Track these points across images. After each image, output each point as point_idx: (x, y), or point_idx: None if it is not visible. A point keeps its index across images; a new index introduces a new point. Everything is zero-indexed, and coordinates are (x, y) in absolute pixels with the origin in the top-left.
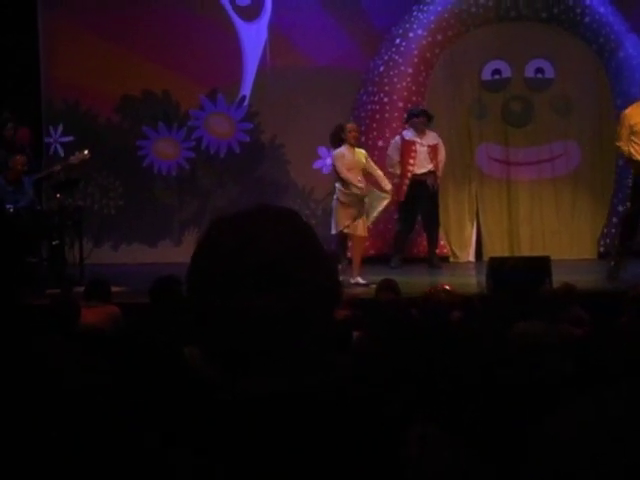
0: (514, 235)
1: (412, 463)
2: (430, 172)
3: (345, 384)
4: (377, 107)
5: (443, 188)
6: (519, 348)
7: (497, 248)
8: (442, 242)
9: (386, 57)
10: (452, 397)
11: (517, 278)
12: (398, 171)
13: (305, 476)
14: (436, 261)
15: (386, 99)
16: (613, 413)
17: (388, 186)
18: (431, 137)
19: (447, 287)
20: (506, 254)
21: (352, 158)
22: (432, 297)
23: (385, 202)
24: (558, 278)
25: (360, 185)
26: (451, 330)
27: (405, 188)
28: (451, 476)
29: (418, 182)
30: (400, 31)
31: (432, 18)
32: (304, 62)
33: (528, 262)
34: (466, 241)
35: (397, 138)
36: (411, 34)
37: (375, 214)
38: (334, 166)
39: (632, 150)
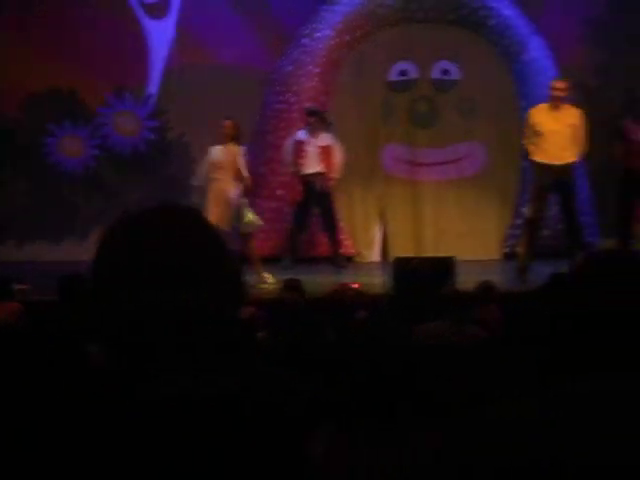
0: (419, 236)
1: (317, 462)
2: (319, 173)
3: (249, 384)
4: (284, 106)
5: (348, 188)
6: (423, 349)
7: (402, 248)
8: (347, 242)
9: (293, 57)
10: (356, 397)
11: (421, 278)
12: (291, 170)
13: (211, 476)
14: (340, 261)
15: (293, 99)
16: (523, 416)
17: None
18: (324, 138)
19: (354, 286)
20: (411, 254)
21: (220, 154)
22: (338, 296)
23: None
24: (463, 279)
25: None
26: (356, 329)
27: (299, 188)
28: (354, 474)
29: (307, 183)
30: (307, 31)
31: (339, 18)
32: (212, 60)
33: (432, 262)
34: (371, 241)
35: (291, 138)
36: (318, 34)
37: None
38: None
39: (536, 150)
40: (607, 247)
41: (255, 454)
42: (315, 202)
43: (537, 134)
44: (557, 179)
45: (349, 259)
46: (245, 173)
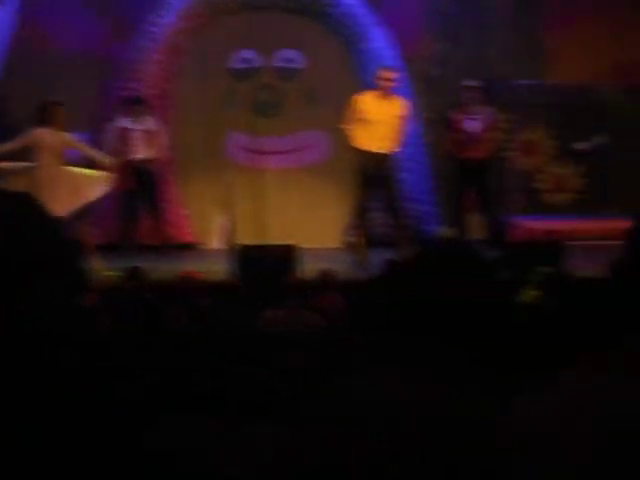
0: (263, 223)
1: (163, 450)
2: (146, 160)
3: (93, 370)
4: (127, 93)
5: (191, 176)
6: (267, 336)
7: (246, 236)
8: (191, 229)
9: (136, 43)
10: (198, 385)
11: (265, 266)
12: (116, 158)
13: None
14: (165, 249)
15: (136, 85)
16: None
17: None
18: (148, 123)
19: (199, 274)
20: (255, 242)
21: (50, 138)
22: (182, 284)
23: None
24: (306, 267)
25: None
26: (201, 317)
27: (126, 176)
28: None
29: (135, 169)
30: (151, 18)
31: (182, 5)
32: (56, 48)
33: (275, 250)
34: (215, 229)
35: (113, 124)
36: (162, 21)
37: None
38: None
39: (360, 137)
40: (443, 236)
41: (97, 440)
42: (144, 188)
43: (362, 121)
44: (378, 168)
45: (192, 247)
46: (98, 156)
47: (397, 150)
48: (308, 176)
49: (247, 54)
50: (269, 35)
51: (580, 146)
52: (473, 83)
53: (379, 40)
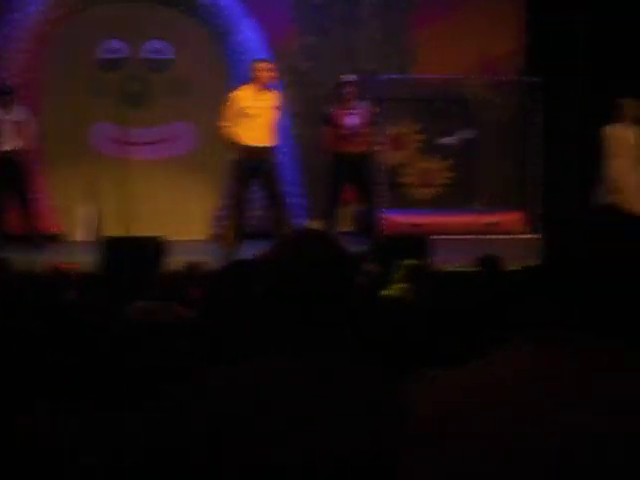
0: (130, 215)
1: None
2: (17, 150)
3: None
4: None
5: (57, 166)
6: (137, 328)
7: (113, 228)
8: (57, 221)
9: (3, 31)
10: (67, 376)
11: (131, 258)
12: None
13: None
14: (37, 240)
15: (3, 74)
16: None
17: None
18: (18, 112)
19: (67, 266)
20: (122, 234)
21: None
22: (47, 275)
23: None
24: (173, 258)
25: None
26: (66, 309)
27: None
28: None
29: (5, 159)
30: (18, 5)
31: None
32: None
33: (142, 242)
34: (81, 220)
35: None
36: (29, 8)
37: None
38: None
39: (239, 132)
40: (309, 228)
41: None
42: (12, 179)
43: (240, 115)
44: (259, 161)
45: (58, 238)
46: None
47: (275, 142)
48: (175, 168)
49: (115, 44)
50: (138, 26)
51: (446, 140)
52: (351, 78)
53: (248, 32)
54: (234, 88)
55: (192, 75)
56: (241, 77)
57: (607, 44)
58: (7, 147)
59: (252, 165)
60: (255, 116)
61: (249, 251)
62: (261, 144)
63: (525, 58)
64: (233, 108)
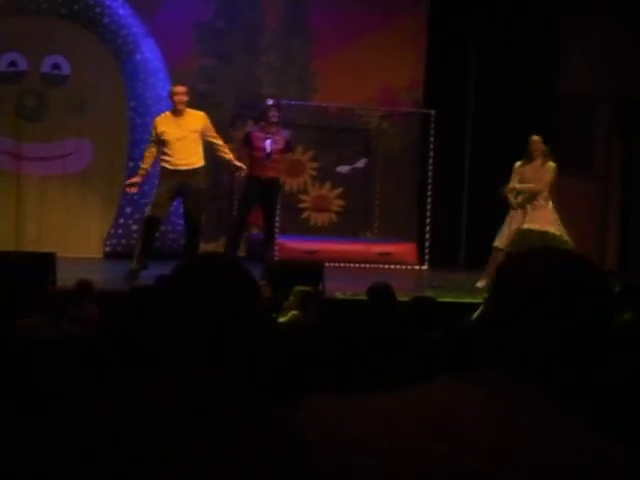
0: (20, 231)
1: None
2: None
3: None
4: None
5: None
6: (25, 343)
7: (3, 243)
8: None
9: None
10: None
11: (20, 273)
12: None
13: None
14: None
15: None
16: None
17: None
18: None
19: None
20: (12, 249)
21: None
22: None
23: None
24: (64, 276)
25: None
26: None
27: None
28: None
29: None
30: None
31: None
32: None
33: (33, 258)
34: None
35: None
36: None
37: None
38: None
39: (161, 155)
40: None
41: None
42: None
43: (163, 142)
44: (183, 183)
45: None
46: None
47: (200, 164)
48: (71, 184)
49: (14, 57)
50: (38, 40)
51: (342, 169)
52: (275, 102)
53: (148, 52)
54: (139, 107)
55: (91, 91)
56: (140, 96)
57: (496, 78)
58: None
59: (174, 187)
60: (176, 141)
61: (155, 271)
62: (185, 167)
63: (422, 90)
64: (156, 135)
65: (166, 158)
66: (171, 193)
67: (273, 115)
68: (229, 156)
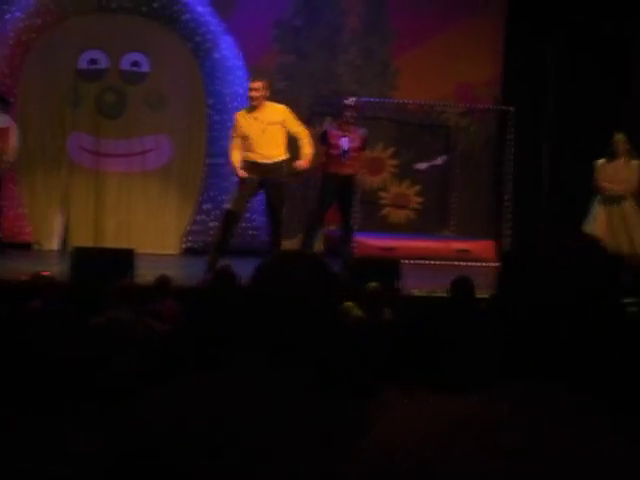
0: (100, 226)
1: None
2: None
3: None
4: None
5: (31, 175)
6: (102, 340)
7: (83, 238)
8: (28, 229)
9: None
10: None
11: (101, 269)
12: None
13: None
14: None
15: None
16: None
17: None
18: (2, 119)
19: (33, 274)
20: (91, 245)
21: None
22: (11, 285)
23: None
24: (143, 272)
25: None
26: (29, 319)
27: None
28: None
29: None
30: None
31: (32, 1)
32: None
33: (112, 254)
34: (52, 229)
35: None
36: (8, 16)
37: None
38: None
39: (240, 149)
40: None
41: None
42: None
43: (243, 137)
44: (264, 177)
45: (29, 246)
46: None
47: (285, 157)
48: (150, 180)
49: (95, 55)
50: (118, 37)
51: (421, 166)
52: (352, 101)
53: (227, 49)
54: (217, 104)
55: (169, 88)
56: (218, 94)
57: (577, 74)
58: None
59: (255, 181)
60: (255, 135)
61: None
62: (266, 161)
63: (501, 87)
64: (235, 129)
65: (246, 152)
66: (252, 187)
67: (350, 113)
68: (304, 150)
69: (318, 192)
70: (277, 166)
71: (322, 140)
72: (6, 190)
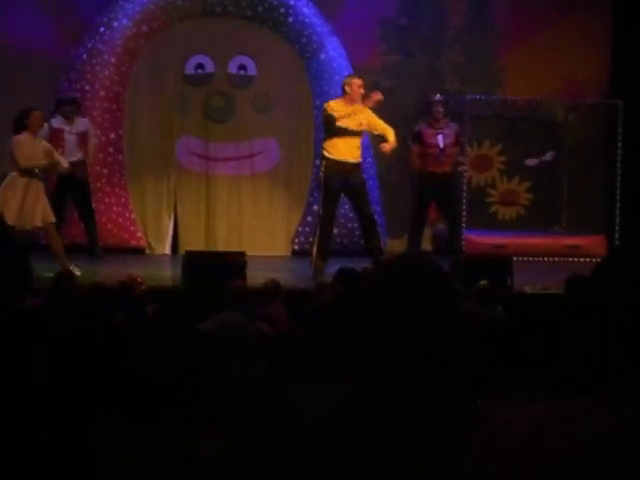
0: (211, 230)
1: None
2: (80, 161)
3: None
4: (79, 95)
5: (142, 179)
6: (214, 344)
7: (194, 242)
8: (139, 234)
9: (89, 45)
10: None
11: (213, 273)
12: (44, 162)
13: None
14: (98, 251)
15: (88, 87)
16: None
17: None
18: (81, 124)
19: (138, 279)
20: (202, 248)
21: (31, 146)
22: (126, 289)
23: None
24: (254, 274)
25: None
26: (146, 323)
27: (53, 177)
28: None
29: (70, 172)
30: (105, 20)
31: (137, 9)
32: (3, 46)
33: (224, 257)
34: (163, 234)
35: (45, 126)
36: (115, 24)
37: None
38: (10, 153)
39: (333, 145)
40: (394, 248)
41: None
42: (74, 191)
43: (336, 130)
44: (347, 177)
45: (140, 251)
46: (63, 162)
47: (361, 159)
48: (259, 183)
49: (201, 60)
50: (224, 42)
51: (530, 162)
52: (441, 97)
53: (333, 50)
54: (319, 106)
55: (276, 91)
56: (324, 95)
57: None
58: (68, 159)
59: (341, 182)
60: (345, 131)
61: (332, 268)
62: (351, 160)
63: (608, 81)
64: (328, 122)
65: (334, 152)
66: (339, 187)
67: (439, 110)
68: (389, 138)
69: (417, 192)
70: (358, 167)
71: (415, 140)
72: (115, 196)
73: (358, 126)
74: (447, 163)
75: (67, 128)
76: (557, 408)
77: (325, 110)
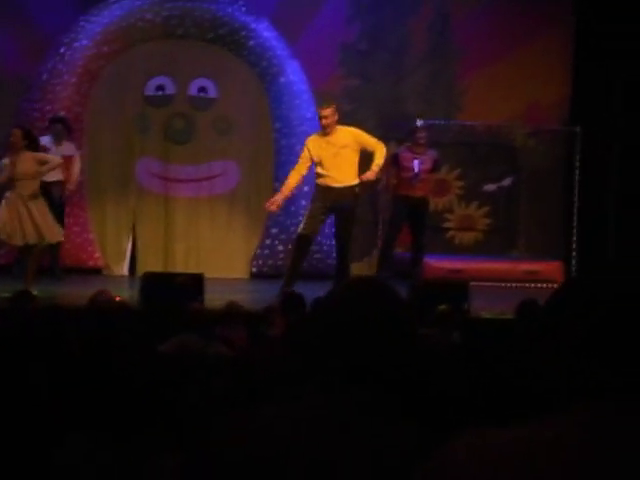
0: (169, 251)
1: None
2: (58, 182)
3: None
4: (39, 115)
5: (101, 200)
6: (172, 365)
7: (152, 263)
8: (97, 254)
9: (50, 65)
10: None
11: (170, 294)
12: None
13: None
14: (59, 272)
15: (48, 107)
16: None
17: None
18: (68, 148)
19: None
20: (161, 270)
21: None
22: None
23: None
24: (212, 296)
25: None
26: (100, 342)
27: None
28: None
29: (45, 191)
30: (66, 40)
31: (98, 29)
32: None
33: (181, 279)
34: (121, 254)
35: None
36: (76, 44)
37: None
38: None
39: (317, 174)
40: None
41: None
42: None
43: (317, 162)
44: (335, 201)
45: (98, 271)
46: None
47: (357, 181)
48: (218, 205)
49: (162, 81)
50: (185, 64)
51: (489, 187)
52: (423, 124)
53: (293, 74)
54: (283, 128)
55: (237, 114)
56: (284, 118)
57: None
58: (49, 179)
59: (327, 205)
60: (327, 159)
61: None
62: (338, 185)
63: (569, 108)
64: (306, 154)
65: (319, 178)
66: (323, 211)
67: (421, 136)
68: (375, 161)
69: (390, 215)
70: (348, 191)
71: (393, 163)
72: (74, 216)
73: (334, 155)
74: (421, 188)
75: (54, 149)
76: (524, 432)
77: (305, 144)
